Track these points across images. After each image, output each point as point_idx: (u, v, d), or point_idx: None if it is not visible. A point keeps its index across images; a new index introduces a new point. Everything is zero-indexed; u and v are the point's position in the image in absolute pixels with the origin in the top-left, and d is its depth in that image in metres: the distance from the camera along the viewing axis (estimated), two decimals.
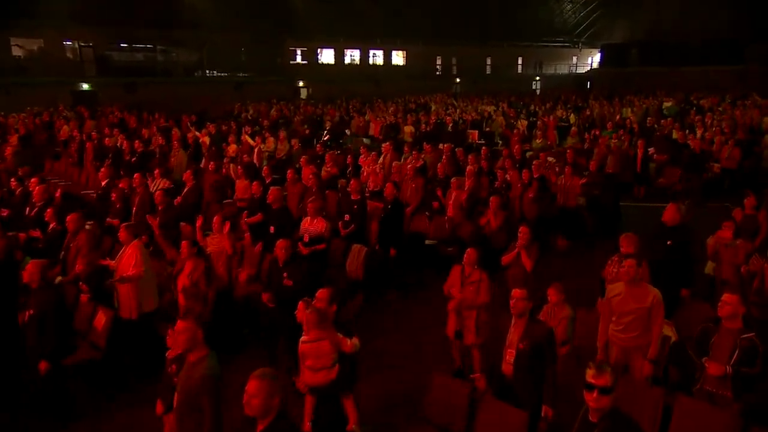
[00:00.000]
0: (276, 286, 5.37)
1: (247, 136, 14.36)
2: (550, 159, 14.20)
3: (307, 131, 19.63)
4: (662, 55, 44.45)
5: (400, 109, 25.37)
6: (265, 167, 9.91)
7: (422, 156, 12.03)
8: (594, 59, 54.80)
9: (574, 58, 55.50)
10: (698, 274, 6.58)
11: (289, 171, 8.94)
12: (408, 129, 17.95)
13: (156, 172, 9.22)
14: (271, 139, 14.80)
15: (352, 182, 7.86)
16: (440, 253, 8.39)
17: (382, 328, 6.96)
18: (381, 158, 11.78)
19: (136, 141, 11.90)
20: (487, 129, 18.31)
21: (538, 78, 51.80)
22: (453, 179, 9.08)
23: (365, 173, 10.51)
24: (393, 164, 10.01)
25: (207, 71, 38.58)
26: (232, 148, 13.81)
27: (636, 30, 49.87)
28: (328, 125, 21.28)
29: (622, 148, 13.22)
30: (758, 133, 15.39)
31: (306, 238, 6.79)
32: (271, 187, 7.35)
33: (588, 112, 19.84)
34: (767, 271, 5.32)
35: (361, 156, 11.36)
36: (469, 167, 10.02)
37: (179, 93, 31.80)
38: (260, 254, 7.03)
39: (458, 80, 47.38)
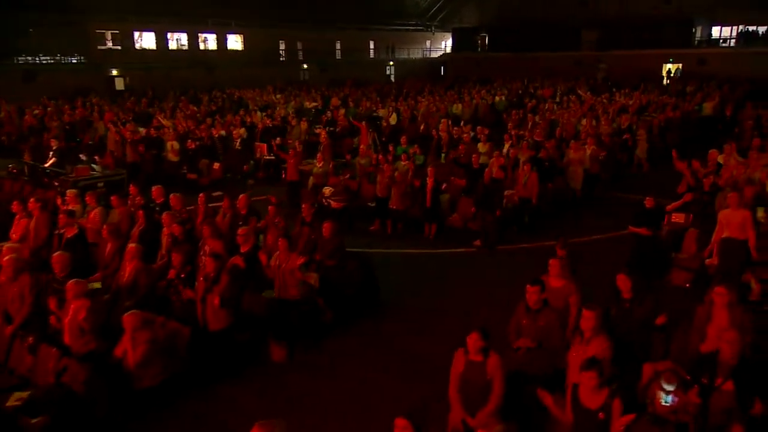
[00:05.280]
0: None
1: None
2: (326, 190, 11.31)
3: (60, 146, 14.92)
4: (508, 40, 44.28)
5: (201, 109, 21.21)
6: None
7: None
8: (447, 43, 53.78)
9: (428, 42, 54.04)
10: None
11: None
12: (171, 145, 14.03)
13: None
14: None
15: None
16: None
17: None
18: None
19: None
20: (278, 141, 14.88)
21: (391, 63, 49.62)
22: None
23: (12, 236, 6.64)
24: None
25: None
26: None
27: (484, 15, 49.43)
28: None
29: (407, 176, 10.50)
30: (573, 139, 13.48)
31: None
32: None
33: (384, 123, 17.06)
34: None
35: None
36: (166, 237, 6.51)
37: None
38: None
39: (305, 66, 43.78)
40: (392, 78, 47.09)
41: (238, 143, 14.80)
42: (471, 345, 4.21)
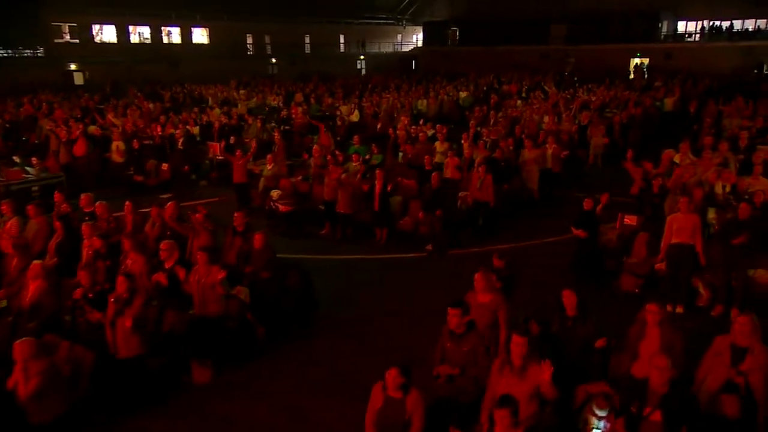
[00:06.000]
0: None
1: None
2: (274, 193, 10.87)
3: None
4: (478, 34, 44.14)
5: (157, 107, 20.44)
6: None
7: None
8: (418, 37, 53.37)
9: (399, 36, 53.59)
10: None
11: None
12: (116, 145, 13.36)
13: None
14: None
15: None
16: None
17: None
18: None
19: None
20: (232, 140, 14.29)
21: (362, 57, 49.04)
22: None
23: None
24: None
25: None
26: None
27: (455, 8, 49.14)
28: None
29: (355, 178, 10.09)
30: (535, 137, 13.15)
31: None
32: None
33: (339, 122, 16.55)
34: None
35: None
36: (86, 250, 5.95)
37: None
38: None
39: (274, 60, 42.95)
40: (363, 72, 46.58)
41: (180, 143, 14.00)
42: (390, 381, 3.86)
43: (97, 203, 7.89)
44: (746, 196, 7.95)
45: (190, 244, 7.23)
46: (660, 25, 39.08)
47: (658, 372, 3.73)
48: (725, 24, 38.21)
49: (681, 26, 40.86)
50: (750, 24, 37.83)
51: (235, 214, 7.24)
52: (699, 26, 39.60)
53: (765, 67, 32.81)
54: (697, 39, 39.02)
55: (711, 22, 38.76)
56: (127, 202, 7.87)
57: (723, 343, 4.25)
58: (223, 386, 6.03)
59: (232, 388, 6.00)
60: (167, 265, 6.28)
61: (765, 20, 37.15)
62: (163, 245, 6.33)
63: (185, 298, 6.30)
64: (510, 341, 4.23)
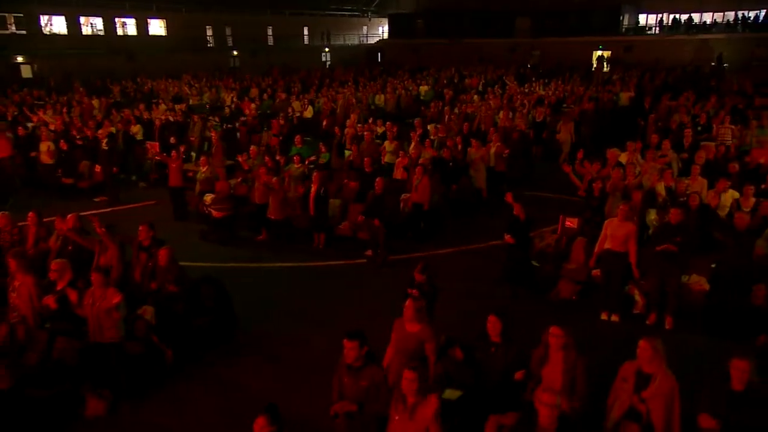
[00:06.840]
0: None
1: None
2: (207, 197, 10.30)
3: None
4: (444, 26, 43.78)
5: (102, 102, 19.50)
6: None
7: None
8: (384, 29, 52.74)
9: (365, 28, 52.88)
10: None
11: None
12: (47, 146, 12.54)
13: None
14: None
15: None
16: None
17: None
18: None
19: None
20: (173, 140, 13.56)
21: (327, 49, 48.22)
22: None
23: None
24: None
25: None
26: None
27: (420, 0, 48.63)
28: None
29: (284, 182, 9.58)
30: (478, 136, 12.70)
31: None
32: None
33: (282, 121, 15.76)
34: None
35: None
36: None
37: None
38: None
39: (235, 53, 41.88)
40: (328, 64, 45.83)
41: (104, 143, 13.09)
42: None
43: None
44: (683, 198, 7.73)
45: (97, 258, 6.66)
46: (621, 18, 39.31)
47: (547, 409, 3.41)
48: (684, 17, 38.67)
49: (642, 19, 41.21)
50: (708, 17, 38.36)
51: (140, 228, 6.68)
52: (657, 19, 40.02)
53: (723, 60, 33.20)
54: (657, 32, 39.42)
55: (670, 15, 39.19)
56: (30, 213, 7.23)
57: (629, 368, 3.96)
58: (120, 421, 5.48)
59: (130, 423, 5.46)
60: (59, 287, 5.72)
61: (721, 14, 37.72)
62: (53, 265, 5.76)
63: (83, 322, 5.76)
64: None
